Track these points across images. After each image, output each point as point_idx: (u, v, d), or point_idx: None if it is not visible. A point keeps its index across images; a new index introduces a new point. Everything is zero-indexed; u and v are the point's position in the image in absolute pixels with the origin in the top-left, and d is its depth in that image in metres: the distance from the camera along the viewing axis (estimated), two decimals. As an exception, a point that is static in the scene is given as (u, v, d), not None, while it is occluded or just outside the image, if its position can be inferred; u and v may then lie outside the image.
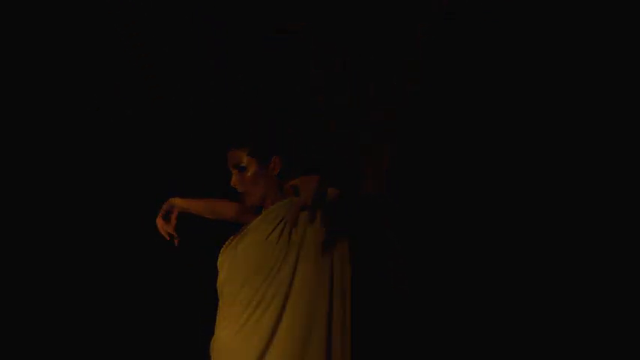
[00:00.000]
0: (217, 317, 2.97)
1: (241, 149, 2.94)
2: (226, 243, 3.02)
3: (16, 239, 3.82)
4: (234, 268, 2.94)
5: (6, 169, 3.80)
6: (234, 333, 2.88)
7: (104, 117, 3.89)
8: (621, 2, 3.63)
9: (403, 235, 3.13)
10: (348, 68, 3.22)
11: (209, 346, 2.97)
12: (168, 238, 2.91)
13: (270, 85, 3.71)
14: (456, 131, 3.80)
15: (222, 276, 2.98)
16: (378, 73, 3.19)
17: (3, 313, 3.81)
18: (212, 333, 2.96)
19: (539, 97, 3.78)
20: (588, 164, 3.75)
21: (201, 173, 3.81)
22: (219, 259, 3.01)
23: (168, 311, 3.95)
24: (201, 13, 3.81)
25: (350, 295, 2.90)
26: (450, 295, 3.74)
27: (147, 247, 3.80)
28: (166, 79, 3.88)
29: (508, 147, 3.81)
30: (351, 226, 2.89)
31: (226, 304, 2.93)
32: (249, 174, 2.94)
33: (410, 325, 3.01)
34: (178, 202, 2.92)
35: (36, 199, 3.84)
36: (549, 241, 3.79)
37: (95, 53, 3.83)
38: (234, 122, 3.48)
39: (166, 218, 2.91)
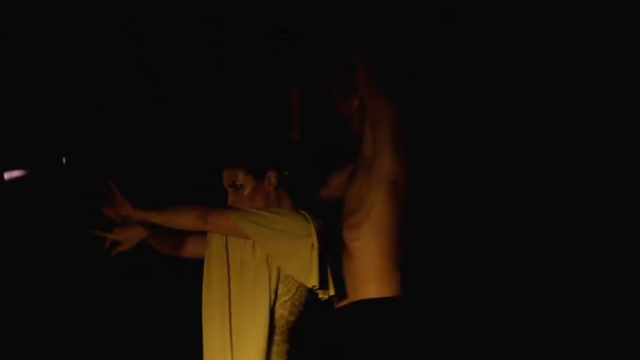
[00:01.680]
0: None
1: (236, 168, 2.89)
2: None
3: (15, 239, 3.82)
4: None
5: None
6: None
7: (104, 117, 3.89)
8: (621, 2, 3.63)
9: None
10: (349, 68, 3.21)
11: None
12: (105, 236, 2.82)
13: (270, 85, 3.71)
14: (456, 131, 3.79)
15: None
16: (378, 73, 3.17)
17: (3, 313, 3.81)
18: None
19: (540, 97, 3.78)
20: (586, 163, 3.74)
21: (200, 173, 3.81)
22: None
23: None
24: (201, 13, 3.80)
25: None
26: (451, 295, 3.74)
27: (147, 247, 3.80)
28: (166, 79, 3.87)
29: (508, 146, 3.80)
30: None
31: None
32: (245, 192, 2.89)
33: (410, 326, 3.00)
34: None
35: (35, 199, 3.84)
36: (550, 241, 3.79)
37: (95, 53, 3.82)
38: (230, 134, 3.45)
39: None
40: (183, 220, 2.76)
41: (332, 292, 2.79)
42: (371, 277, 2.89)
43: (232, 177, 2.89)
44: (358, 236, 2.91)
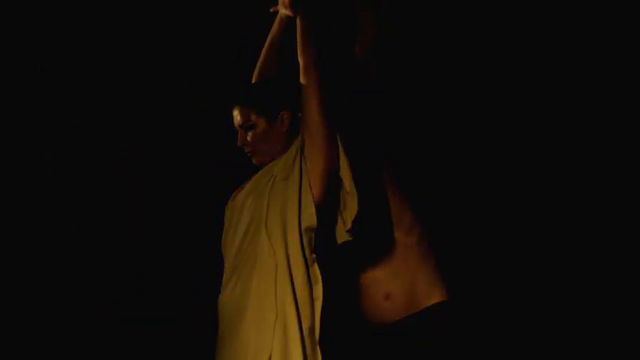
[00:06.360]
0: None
1: (248, 107, 2.83)
2: (232, 196, 2.91)
3: (17, 239, 3.81)
4: (232, 222, 2.84)
5: (7, 170, 3.79)
6: (225, 298, 2.77)
7: (103, 117, 3.88)
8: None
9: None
10: None
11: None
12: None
13: None
14: (453, 130, 3.80)
15: (224, 232, 2.87)
16: None
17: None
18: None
19: (533, 92, 3.79)
20: (582, 161, 3.74)
21: (201, 172, 3.82)
22: (225, 214, 2.90)
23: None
24: (201, 13, 3.83)
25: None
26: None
27: (147, 248, 3.82)
28: (166, 79, 3.88)
29: (506, 145, 3.81)
30: None
31: (226, 263, 2.83)
32: (257, 132, 2.82)
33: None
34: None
35: (36, 199, 3.83)
36: (549, 240, 3.79)
37: (95, 53, 3.83)
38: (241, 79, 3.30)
39: None
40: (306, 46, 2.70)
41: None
42: (438, 278, 2.87)
43: (244, 117, 2.82)
44: (419, 238, 2.88)
